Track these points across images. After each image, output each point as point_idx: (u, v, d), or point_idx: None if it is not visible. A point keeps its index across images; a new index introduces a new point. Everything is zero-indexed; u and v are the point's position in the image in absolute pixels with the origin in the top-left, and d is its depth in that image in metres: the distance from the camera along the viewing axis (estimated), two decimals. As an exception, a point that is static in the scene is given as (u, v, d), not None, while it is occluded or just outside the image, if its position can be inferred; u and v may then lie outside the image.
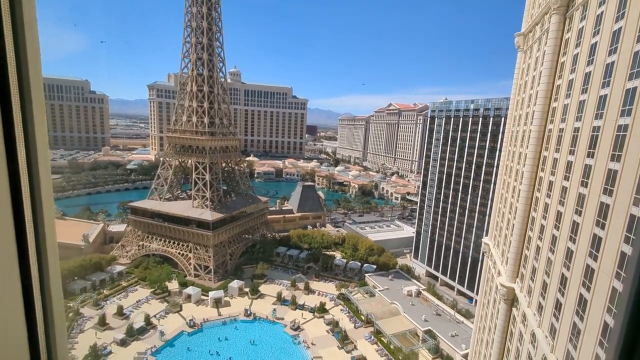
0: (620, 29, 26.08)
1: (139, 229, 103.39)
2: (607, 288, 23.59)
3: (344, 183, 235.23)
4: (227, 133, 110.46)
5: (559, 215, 33.24)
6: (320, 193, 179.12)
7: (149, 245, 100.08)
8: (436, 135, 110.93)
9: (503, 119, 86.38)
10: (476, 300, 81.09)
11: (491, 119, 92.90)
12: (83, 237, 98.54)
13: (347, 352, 68.59)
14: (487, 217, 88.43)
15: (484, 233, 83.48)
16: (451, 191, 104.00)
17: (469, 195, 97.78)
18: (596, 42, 29.97)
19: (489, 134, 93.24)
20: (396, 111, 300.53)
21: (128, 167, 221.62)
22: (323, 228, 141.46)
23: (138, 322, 72.29)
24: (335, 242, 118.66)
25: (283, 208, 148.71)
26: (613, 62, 26.64)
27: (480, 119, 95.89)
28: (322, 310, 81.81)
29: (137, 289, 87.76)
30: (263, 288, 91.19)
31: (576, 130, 31.86)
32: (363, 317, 79.88)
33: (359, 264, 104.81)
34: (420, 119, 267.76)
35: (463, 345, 68.92)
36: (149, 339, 69.76)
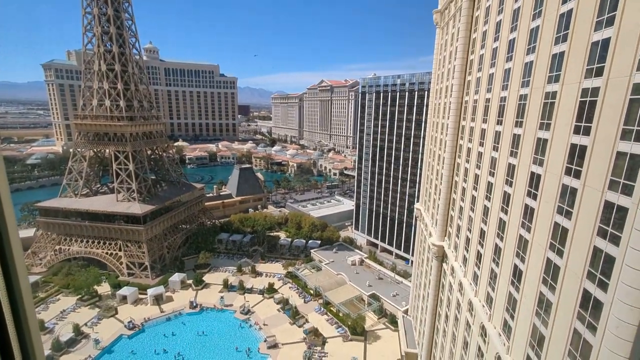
0: (519, 8, 29.17)
1: (52, 231, 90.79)
2: (516, 236, 27.63)
3: (282, 163, 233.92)
4: (149, 117, 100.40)
5: (476, 177, 37.46)
6: (259, 175, 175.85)
7: (68, 249, 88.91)
8: (368, 110, 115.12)
9: (427, 92, 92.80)
10: (412, 261, 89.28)
11: (416, 93, 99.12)
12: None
13: (299, 326, 70.84)
14: (417, 184, 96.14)
15: (416, 200, 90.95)
16: (385, 163, 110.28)
17: (401, 166, 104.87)
18: (500, 20, 33.24)
19: (415, 107, 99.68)
20: (328, 88, 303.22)
21: (28, 162, 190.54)
22: (265, 210, 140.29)
23: (65, 334, 64.90)
24: (278, 223, 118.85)
25: (221, 193, 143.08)
26: (514, 39, 29.91)
27: (407, 93, 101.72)
28: (271, 290, 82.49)
29: (59, 299, 78.17)
30: (208, 277, 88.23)
31: (487, 101, 35.58)
32: (312, 291, 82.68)
33: (304, 241, 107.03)
34: (352, 95, 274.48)
35: (403, 302, 75.97)
36: (82, 350, 63.39)
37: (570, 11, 21.21)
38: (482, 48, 38.01)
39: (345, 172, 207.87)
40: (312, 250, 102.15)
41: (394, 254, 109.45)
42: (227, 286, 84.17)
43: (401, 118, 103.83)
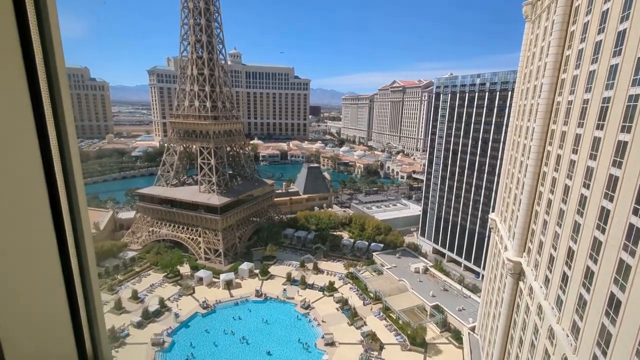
0: (634, -7, 24.89)
1: (148, 215, 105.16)
2: (615, 260, 23.73)
3: (349, 163, 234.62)
4: (230, 116, 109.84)
5: (566, 189, 33.03)
6: (326, 174, 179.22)
7: (159, 231, 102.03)
8: (441, 111, 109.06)
9: (510, 92, 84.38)
10: (483, 275, 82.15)
11: (497, 93, 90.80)
12: (94, 225, 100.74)
13: (357, 328, 70.58)
14: (493, 193, 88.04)
15: (491, 209, 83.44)
16: (457, 168, 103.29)
17: (475, 172, 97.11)
18: (608, 9, 28.76)
19: (495, 109, 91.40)
20: (400, 88, 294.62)
21: (133, 154, 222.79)
22: (330, 209, 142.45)
23: (153, 305, 74.76)
24: (342, 223, 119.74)
25: (289, 190, 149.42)
26: (625, 30, 25.63)
27: (487, 93, 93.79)
28: (331, 289, 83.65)
29: (150, 274, 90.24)
30: (272, 269, 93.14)
31: (585, 102, 31.13)
32: (371, 295, 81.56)
33: (367, 243, 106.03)
34: (425, 96, 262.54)
35: (470, 318, 70.43)
36: (165, 321, 72.31)
37: None
38: (581, 42, 33.35)
39: (414, 175, 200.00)
40: (374, 253, 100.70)
41: (462, 265, 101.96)
42: (290, 279, 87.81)
43: (479, 120, 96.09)
